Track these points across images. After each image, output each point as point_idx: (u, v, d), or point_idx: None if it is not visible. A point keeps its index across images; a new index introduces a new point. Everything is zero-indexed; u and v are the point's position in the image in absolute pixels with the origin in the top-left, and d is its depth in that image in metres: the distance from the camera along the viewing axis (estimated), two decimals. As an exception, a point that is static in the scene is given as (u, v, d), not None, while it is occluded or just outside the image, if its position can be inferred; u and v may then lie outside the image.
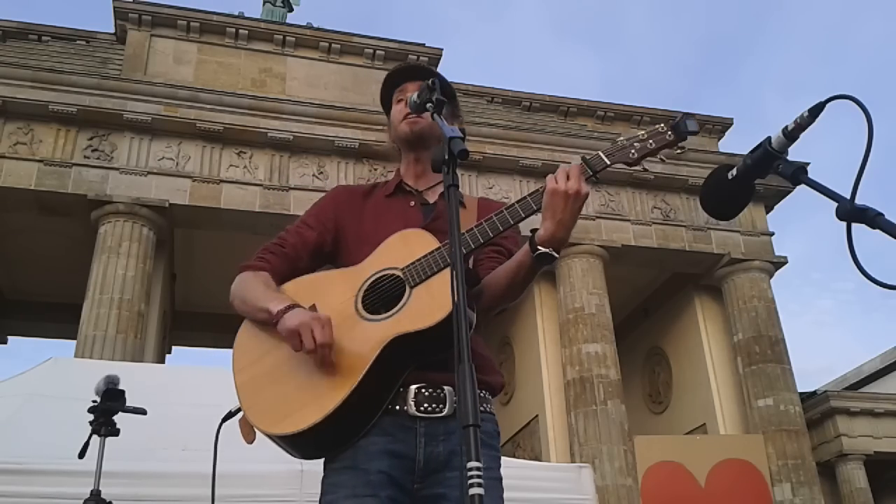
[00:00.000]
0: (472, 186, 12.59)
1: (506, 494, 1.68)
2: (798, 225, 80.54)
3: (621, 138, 1.66)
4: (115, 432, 3.33)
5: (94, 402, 3.39)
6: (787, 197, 14.15)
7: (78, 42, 13.57)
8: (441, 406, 1.62)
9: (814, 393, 15.56)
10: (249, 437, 1.68)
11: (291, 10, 15.31)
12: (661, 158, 1.66)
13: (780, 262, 14.02)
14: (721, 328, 13.96)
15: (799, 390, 13.35)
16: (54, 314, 14.47)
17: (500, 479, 1.67)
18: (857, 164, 1.18)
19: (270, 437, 1.62)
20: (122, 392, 3.42)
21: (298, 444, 1.62)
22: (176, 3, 13.28)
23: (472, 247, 1.62)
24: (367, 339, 1.60)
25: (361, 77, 13.56)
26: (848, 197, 1.17)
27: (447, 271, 1.58)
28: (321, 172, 12.43)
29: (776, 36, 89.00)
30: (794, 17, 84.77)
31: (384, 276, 1.68)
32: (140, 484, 3.72)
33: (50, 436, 4.01)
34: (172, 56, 13.08)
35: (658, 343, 15.30)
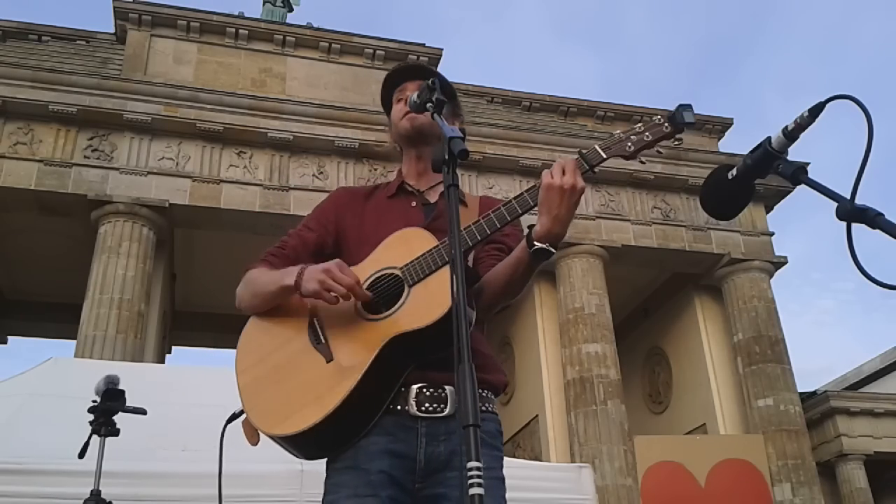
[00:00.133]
0: (472, 186, 12.59)
1: (506, 494, 1.68)
2: (798, 225, 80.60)
3: (618, 132, 1.64)
4: (115, 432, 3.34)
5: (94, 402, 3.39)
6: (787, 197, 14.16)
7: (78, 42, 13.57)
8: (442, 406, 1.62)
9: (814, 393, 15.57)
10: (253, 438, 1.68)
11: (291, 10, 15.30)
12: (658, 151, 1.63)
13: (780, 262, 14.02)
14: (721, 328, 13.96)
15: (799, 390, 13.35)
16: (54, 314, 14.48)
17: (503, 478, 1.66)
18: (857, 164, 1.18)
19: (272, 437, 1.62)
20: (122, 392, 3.42)
21: (299, 444, 1.62)
22: (176, 3, 13.28)
23: (470, 244, 1.62)
24: (366, 338, 1.60)
25: (361, 77, 13.55)
26: (848, 197, 1.17)
27: (445, 269, 1.58)
28: (321, 172, 12.43)
29: (776, 36, 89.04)
30: (794, 17, 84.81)
31: (383, 275, 1.68)
32: (140, 484, 3.72)
33: (50, 436, 4.01)
34: (172, 56, 13.07)
35: (658, 343, 15.30)
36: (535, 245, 1.59)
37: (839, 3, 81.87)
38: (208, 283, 14.04)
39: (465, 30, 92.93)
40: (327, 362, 1.62)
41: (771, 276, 13.94)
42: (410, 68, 2.06)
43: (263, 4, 15.22)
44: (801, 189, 1.30)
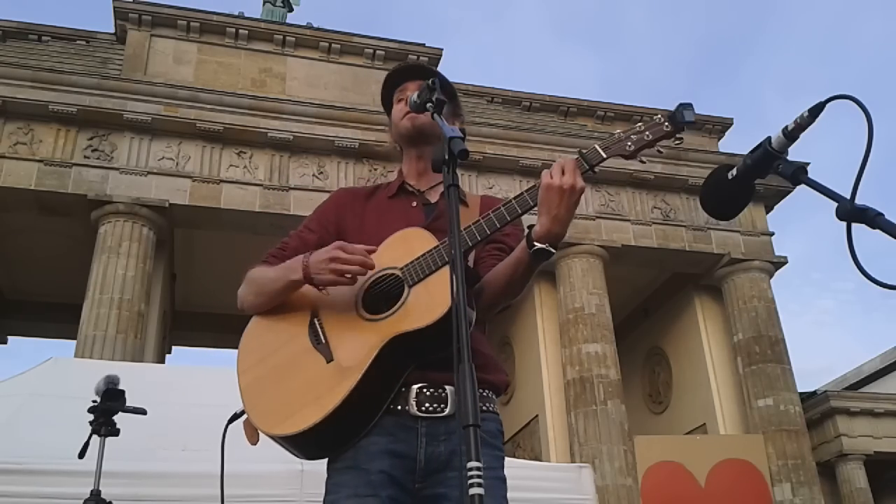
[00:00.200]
0: (472, 186, 12.59)
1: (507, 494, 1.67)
2: (798, 225, 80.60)
3: (618, 131, 1.63)
4: (115, 432, 3.33)
5: (94, 402, 3.39)
6: (787, 197, 14.16)
7: (78, 42, 13.57)
8: (443, 406, 1.62)
9: (814, 393, 15.57)
10: (253, 438, 1.68)
11: (291, 10, 15.30)
12: (659, 150, 1.62)
13: (780, 262, 14.02)
14: (721, 328, 13.96)
15: (799, 390, 13.35)
16: (54, 314, 14.47)
17: (504, 478, 1.66)
18: (857, 164, 1.18)
19: (273, 437, 1.62)
20: (122, 392, 3.42)
21: (300, 444, 1.63)
22: (176, 3, 13.28)
23: (469, 244, 1.62)
24: (366, 338, 1.60)
25: (361, 77, 13.55)
26: (848, 197, 1.17)
27: (445, 270, 1.58)
28: (321, 172, 12.43)
29: (776, 36, 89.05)
30: (794, 17, 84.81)
31: (383, 275, 1.68)
32: (140, 484, 3.72)
33: (50, 436, 4.01)
34: (172, 56, 13.07)
35: (658, 343, 15.30)
36: (534, 245, 1.59)
37: (839, 3, 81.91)
38: (208, 283, 14.05)
39: (465, 30, 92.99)
40: (327, 362, 1.62)
41: (771, 276, 13.94)
42: (411, 68, 2.06)
43: (263, 4, 15.22)
44: (801, 189, 1.30)
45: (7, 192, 11.16)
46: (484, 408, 1.68)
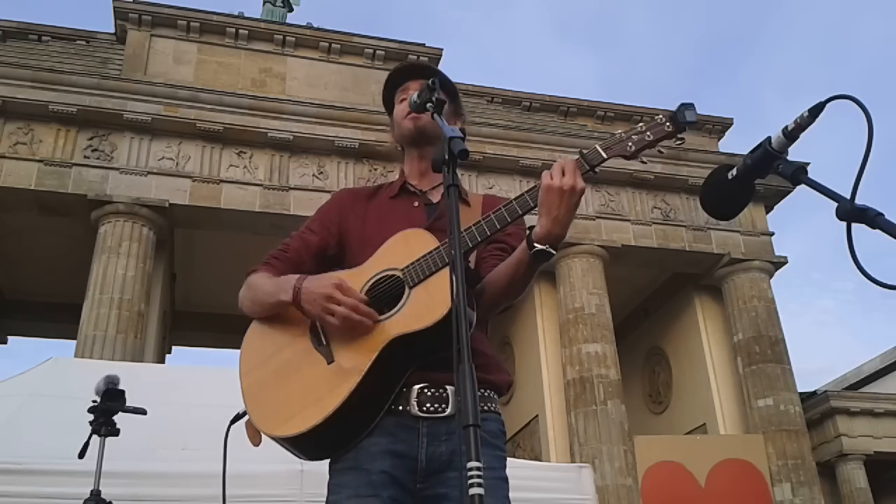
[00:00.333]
0: (473, 186, 12.59)
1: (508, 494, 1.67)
2: (798, 225, 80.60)
3: (619, 132, 1.62)
4: (115, 432, 3.33)
5: (94, 402, 3.39)
6: (787, 197, 14.15)
7: (78, 42, 13.57)
8: (444, 406, 1.62)
9: (814, 393, 15.57)
10: (255, 439, 1.69)
11: (291, 10, 15.30)
12: (659, 150, 1.61)
13: (780, 262, 14.02)
14: (721, 328, 13.96)
15: (799, 390, 13.35)
16: (54, 314, 14.48)
17: (506, 478, 1.66)
18: (857, 164, 1.18)
19: (274, 439, 1.63)
20: (122, 392, 3.42)
21: (301, 445, 1.63)
22: (176, 3, 13.28)
23: (470, 245, 1.61)
24: (366, 340, 1.60)
25: (361, 77, 13.55)
26: (848, 197, 1.17)
27: (446, 271, 1.58)
28: (321, 172, 12.43)
29: (776, 36, 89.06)
30: (794, 17, 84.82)
31: (384, 276, 1.68)
32: (140, 484, 3.72)
33: (50, 436, 4.01)
34: (172, 56, 13.07)
35: (658, 343, 15.30)
36: (535, 246, 1.59)
37: (839, 3, 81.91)
38: (208, 283, 14.05)
39: (465, 30, 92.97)
40: (328, 364, 1.62)
41: (771, 276, 13.94)
42: (412, 67, 2.06)
43: (263, 4, 15.22)
44: (801, 189, 1.30)
45: (7, 192, 11.16)
46: (485, 408, 1.68)
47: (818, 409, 14.84)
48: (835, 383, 19.15)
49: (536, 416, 12.90)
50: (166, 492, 3.71)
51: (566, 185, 1.54)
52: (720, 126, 15.90)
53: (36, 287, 14.32)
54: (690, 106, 1.56)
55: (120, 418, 3.38)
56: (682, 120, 1.55)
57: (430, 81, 1.67)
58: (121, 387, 3.43)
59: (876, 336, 78.04)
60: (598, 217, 13.26)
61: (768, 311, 13.41)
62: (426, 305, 1.58)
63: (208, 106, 12.00)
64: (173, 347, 16.24)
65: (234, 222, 12.10)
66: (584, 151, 1.59)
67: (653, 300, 15.34)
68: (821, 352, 72.54)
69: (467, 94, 14.38)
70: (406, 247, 1.68)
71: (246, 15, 14.03)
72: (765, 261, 13.80)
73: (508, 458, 1.74)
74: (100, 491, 3.18)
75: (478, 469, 1.12)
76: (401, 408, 1.62)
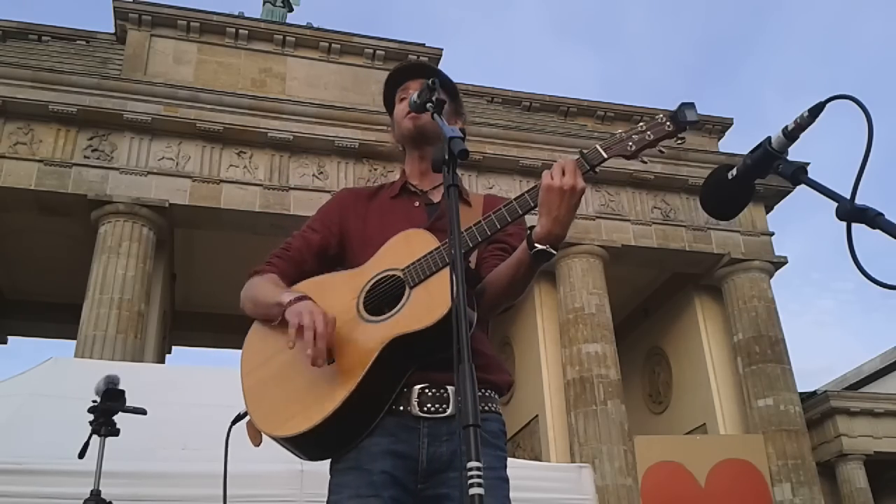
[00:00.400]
0: (473, 186, 12.59)
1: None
2: (798, 225, 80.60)
3: (619, 131, 1.62)
4: (115, 432, 3.33)
5: (94, 402, 3.39)
6: (787, 197, 14.16)
7: (78, 42, 13.57)
8: (444, 406, 1.62)
9: (814, 393, 15.57)
10: (256, 439, 1.69)
11: (291, 10, 15.30)
12: (660, 150, 1.60)
13: (780, 262, 14.03)
14: (721, 328, 13.96)
15: (799, 390, 13.35)
16: (54, 314, 14.48)
17: (506, 479, 1.66)
18: (857, 164, 1.18)
19: (275, 439, 1.63)
20: (122, 392, 3.42)
21: (301, 445, 1.63)
22: (176, 3, 13.28)
23: (470, 245, 1.61)
24: (367, 340, 1.60)
25: (361, 77, 13.56)
26: (848, 197, 1.17)
27: (446, 271, 1.58)
28: (321, 172, 12.43)
29: (776, 36, 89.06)
30: (794, 17, 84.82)
31: (385, 276, 1.68)
32: (140, 484, 3.72)
33: (50, 436, 4.01)
34: (172, 56, 13.07)
35: (658, 343, 15.30)
36: (535, 246, 1.59)
37: (839, 3, 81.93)
38: (208, 283, 14.05)
39: (465, 30, 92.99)
40: (329, 364, 1.62)
41: (771, 276, 13.94)
42: (413, 67, 2.06)
43: (263, 4, 15.22)
44: (801, 189, 1.30)
45: (7, 192, 11.16)
46: (485, 408, 1.68)
47: (818, 409, 14.84)
48: (835, 383, 19.15)
49: (536, 416, 12.90)
50: (166, 492, 3.71)
51: (566, 184, 1.54)
52: (720, 126, 15.90)
53: (36, 287, 14.32)
54: (691, 105, 1.55)
55: (120, 418, 3.38)
56: (682, 119, 1.55)
57: (429, 81, 1.67)
58: (121, 387, 3.43)
59: (876, 336, 78.06)
60: (598, 217, 13.27)
61: (768, 311, 13.41)
62: (426, 305, 1.58)
63: (208, 106, 12.00)
64: (173, 347, 16.25)
65: (234, 222, 12.10)
66: (585, 151, 1.59)
67: (653, 300, 15.34)
68: (821, 352, 72.59)
69: (467, 94, 14.38)
70: (407, 247, 1.68)
71: (246, 15, 14.04)
72: (765, 261, 13.81)
73: (508, 458, 1.74)
74: (100, 491, 3.18)
75: (478, 469, 1.12)
76: (402, 408, 1.62)
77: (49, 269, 13.54)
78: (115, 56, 13.11)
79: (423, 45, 14.12)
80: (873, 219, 1.14)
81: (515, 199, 1.62)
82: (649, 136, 1.58)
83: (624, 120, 15.22)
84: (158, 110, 11.80)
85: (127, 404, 3.40)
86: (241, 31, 13.43)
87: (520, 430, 13.35)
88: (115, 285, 10.77)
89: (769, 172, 1.35)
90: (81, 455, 3.24)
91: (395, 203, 1.90)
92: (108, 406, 3.36)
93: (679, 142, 1.62)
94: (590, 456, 11.18)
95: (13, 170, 11.18)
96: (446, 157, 1.46)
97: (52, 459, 3.66)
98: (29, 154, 11.29)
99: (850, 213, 1.16)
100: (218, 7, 19.06)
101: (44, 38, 13.43)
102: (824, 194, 1.23)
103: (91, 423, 3.33)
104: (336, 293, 1.71)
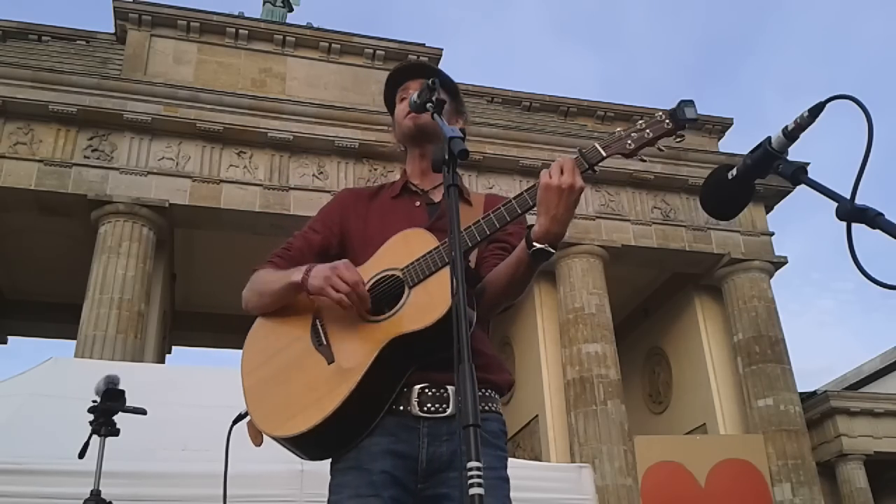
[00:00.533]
0: (473, 186, 12.59)
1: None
2: (798, 225, 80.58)
3: (618, 130, 1.61)
4: (115, 432, 3.33)
5: (94, 402, 3.39)
6: (787, 197, 14.16)
7: (78, 42, 13.57)
8: (444, 406, 1.62)
9: (814, 393, 15.56)
10: (257, 439, 1.69)
11: (291, 10, 15.30)
12: (659, 149, 1.60)
13: (780, 262, 14.02)
14: (721, 328, 13.96)
15: (799, 390, 13.35)
16: (54, 314, 14.48)
17: (507, 478, 1.66)
18: (857, 164, 1.18)
19: (275, 439, 1.63)
20: (122, 392, 3.42)
21: (302, 445, 1.63)
22: (176, 3, 13.28)
23: (469, 245, 1.61)
24: (366, 340, 1.61)
25: (361, 77, 13.55)
26: (848, 197, 1.17)
27: (446, 270, 1.58)
28: (321, 172, 12.43)
29: (776, 36, 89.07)
30: (794, 17, 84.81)
31: (384, 276, 1.68)
32: (140, 484, 3.72)
33: (50, 436, 4.01)
34: (172, 56, 13.07)
35: (658, 343, 15.30)
36: (534, 246, 1.58)
37: (839, 3, 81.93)
38: (208, 283, 14.05)
39: (465, 30, 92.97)
40: (328, 364, 1.62)
41: (771, 276, 13.94)
42: (413, 67, 2.06)
43: (263, 4, 15.21)
44: (801, 189, 1.29)
45: (7, 192, 11.16)
46: (486, 408, 1.68)
47: (818, 409, 14.83)
48: (835, 383, 19.15)
49: (536, 416, 12.90)
50: (166, 492, 3.71)
51: (565, 183, 1.53)
52: (720, 126, 15.89)
53: (36, 287, 14.32)
54: (690, 103, 1.54)
55: (120, 418, 3.37)
56: (681, 117, 1.54)
57: (429, 81, 1.67)
58: (121, 387, 3.43)
59: (876, 336, 78.05)
60: (598, 217, 13.27)
61: (768, 311, 13.41)
62: (426, 305, 1.58)
63: (208, 106, 12.00)
64: (173, 347, 16.25)
65: (234, 222, 12.10)
66: (583, 150, 1.59)
67: (653, 300, 15.34)
68: (821, 352, 72.59)
69: (467, 94, 14.38)
70: (406, 246, 1.68)
71: (246, 15, 14.04)
72: (765, 261, 13.81)
73: (508, 458, 1.74)
74: (100, 491, 3.18)
75: (478, 469, 1.12)
76: (402, 408, 1.62)
77: (49, 269, 13.54)
78: (115, 56, 13.11)
79: (423, 45, 14.12)
80: (873, 219, 1.14)
81: (515, 198, 1.62)
82: (648, 134, 1.58)
83: (624, 120, 15.20)
84: (158, 110, 11.80)
85: (127, 404, 3.40)
86: (241, 31, 13.43)
87: (520, 430, 13.35)
88: (115, 285, 10.77)
89: (769, 172, 1.35)
90: (81, 455, 3.24)
91: (396, 203, 1.90)
92: (108, 406, 3.36)
93: (679, 140, 1.62)
94: (590, 456, 11.18)
95: (13, 170, 11.19)
96: (446, 156, 1.46)
97: (52, 459, 3.66)
98: (29, 154, 11.29)
99: (850, 213, 1.16)
100: (218, 7, 19.08)
101: (44, 38, 13.42)
102: (824, 194, 1.23)
103: (91, 423, 3.33)
104: None
